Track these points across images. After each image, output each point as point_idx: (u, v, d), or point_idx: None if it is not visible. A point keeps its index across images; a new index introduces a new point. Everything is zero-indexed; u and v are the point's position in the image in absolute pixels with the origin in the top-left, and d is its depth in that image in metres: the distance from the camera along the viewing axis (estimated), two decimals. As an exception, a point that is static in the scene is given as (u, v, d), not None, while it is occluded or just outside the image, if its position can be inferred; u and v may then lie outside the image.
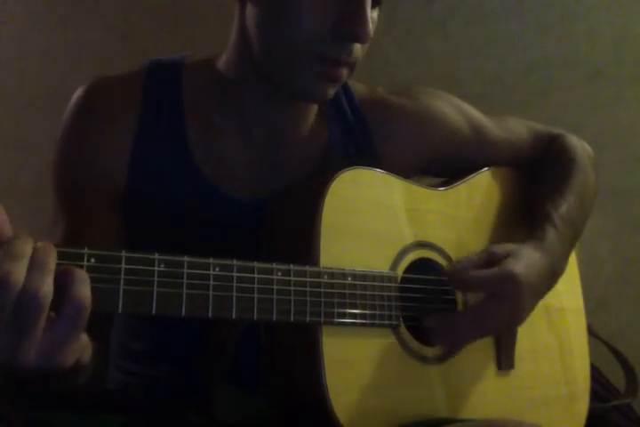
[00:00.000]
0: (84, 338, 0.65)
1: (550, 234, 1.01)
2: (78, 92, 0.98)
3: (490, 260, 0.94)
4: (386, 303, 0.89)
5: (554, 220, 1.03)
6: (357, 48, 0.89)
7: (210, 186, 0.96)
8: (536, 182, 1.14)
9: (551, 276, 1.00)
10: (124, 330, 1.07)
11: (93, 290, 0.63)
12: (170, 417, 0.95)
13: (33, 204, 1.57)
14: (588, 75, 1.94)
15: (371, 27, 0.86)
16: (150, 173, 0.95)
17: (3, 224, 0.61)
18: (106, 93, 0.97)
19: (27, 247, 0.61)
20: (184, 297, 0.71)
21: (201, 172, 0.96)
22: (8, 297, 0.58)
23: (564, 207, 1.06)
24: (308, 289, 0.82)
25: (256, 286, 0.77)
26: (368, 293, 0.88)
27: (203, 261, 0.74)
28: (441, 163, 1.11)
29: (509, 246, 0.97)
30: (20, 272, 0.59)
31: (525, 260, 0.95)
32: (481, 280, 0.92)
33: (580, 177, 1.12)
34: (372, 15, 0.89)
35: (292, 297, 0.80)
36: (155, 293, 0.69)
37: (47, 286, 0.60)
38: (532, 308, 0.96)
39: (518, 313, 0.94)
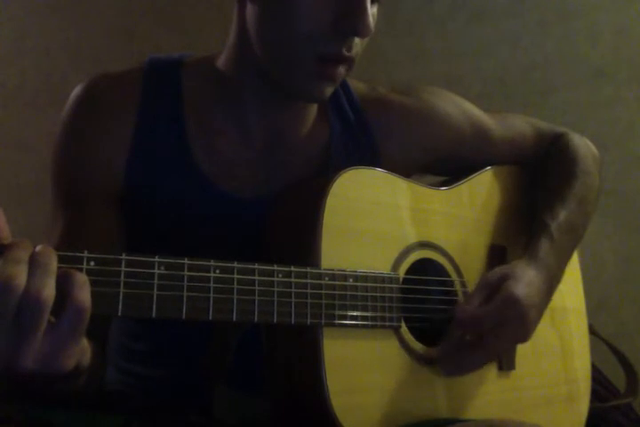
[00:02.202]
0: (84, 341, 0.65)
1: (544, 246, 1.01)
2: (77, 89, 0.98)
3: (490, 290, 0.94)
4: (387, 305, 0.89)
5: (550, 230, 1.03)
6: (357, 44, 0.89)
7: (209, 184, 0.96)
8: (538, 182, 1.14)
9: (550, 288, 1.00)
10: (122, 330, 1.07)
11: (93, 293, 0.63)
12: (170, 418, 0.95)
13: (33, 204, 1.57)
14: (588, 75, 1.94)
15: (371, 20, 0.86)
16: (149, 171, 0.95)
17: (1, 227, 0.61)
18: (105, 90, 0.97)
19: (27, 251, 0.60)
20: (184, 300, 0.71)
21: (200, 169, 0.96)
22: (11, 300, 0.58)
23: (564, 214, 1.06)
24: (309, 291, 0.82)
25: (257, 288, 0.77)
26: (369, 294, 0.87)
27: (203, 263, 0.74)
28: (442, 161, 1.11)
29: (503, 270, 0.97)
30: (22, 276, 0.59)
31: (522, 279, 0.95)
32: (489, 316, 0.92)
33: (582, 178, 1.11)
34: (372, 11, 0.89)
35: (292, 299, 0.80)
36: (155, 296, 0.69)
37: (49, 289, 0.60)
38: (537, 323, 0.97)
39: (525, 332, 0.95)
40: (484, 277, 0.97)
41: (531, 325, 0.95)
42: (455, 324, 0.93)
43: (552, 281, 1.01)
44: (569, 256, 1.07)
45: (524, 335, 0.96)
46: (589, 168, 1.14)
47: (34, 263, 0.60)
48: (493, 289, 0.94)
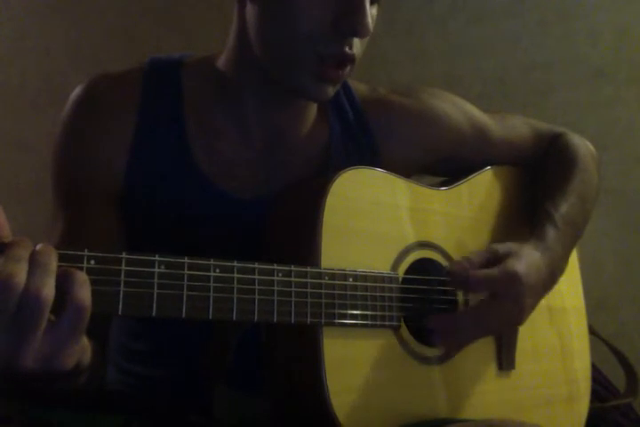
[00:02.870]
0: (84, 340, 0.65)
1: (551, 233, 1.01)
2: (77, 90, 0.98)
3: (491, 258, 0.95)
4: (387, 304, 0.89)
5: (554, 219, 1.03)
6: (357, 44, 0.89)
7: (209, 184, 0.96)
8: (538, 182, 1.14)
9: (551, 275, 1.00)
10: (122, 330, 1.07)
11: (93, 292, 0.63)
12: (170, 418, 0.95)
13: (33, 204, 1.57)
14: (588, 75, 1.94)
15: (370, 21, 0.86)
16: (149, 171, 0.95)
17: (2, 226, 0.62)
18: (105, 90, 0.97)
19: (27, 250, 0.61)
20: (184, 299, 0.71)
21: (200, 170, 0.96)
22: (11, 299, 0.58)
23: (565, 207, 1.06)
24: (308, 290, 0.82)
25: (257, 287, 0.77)
26: (369, 293, 0.87)
27: (203, 262, 0.74)
28: (442, 162, 1.11)
29: (511, 245, 0.97)
30: (22, 274, 0.59)
31: (526, 259, 0.95)
32: (483, 280, 0.92)
33: (581, 176, 1.12)
34: (372, 11, 0.89)
35: (292, 298, 0.80)
36: (155, 295, 0.69)
37: (49, 287, 0.60)
38: (533, 307, 0.96)
39: (520, 313, 0.95)
40: (493, 244, 0.97)
41: (525, 305, 0.94)
42: (447, 273, 0.94)
43: (554, 268, 1.00)
44: (570, 250, 1.07)
45: (519, 316, 0.95)
46: (588, 167, 1.14)
47: (34, 262, 0.60)
48: (496, 259, 0.94)
